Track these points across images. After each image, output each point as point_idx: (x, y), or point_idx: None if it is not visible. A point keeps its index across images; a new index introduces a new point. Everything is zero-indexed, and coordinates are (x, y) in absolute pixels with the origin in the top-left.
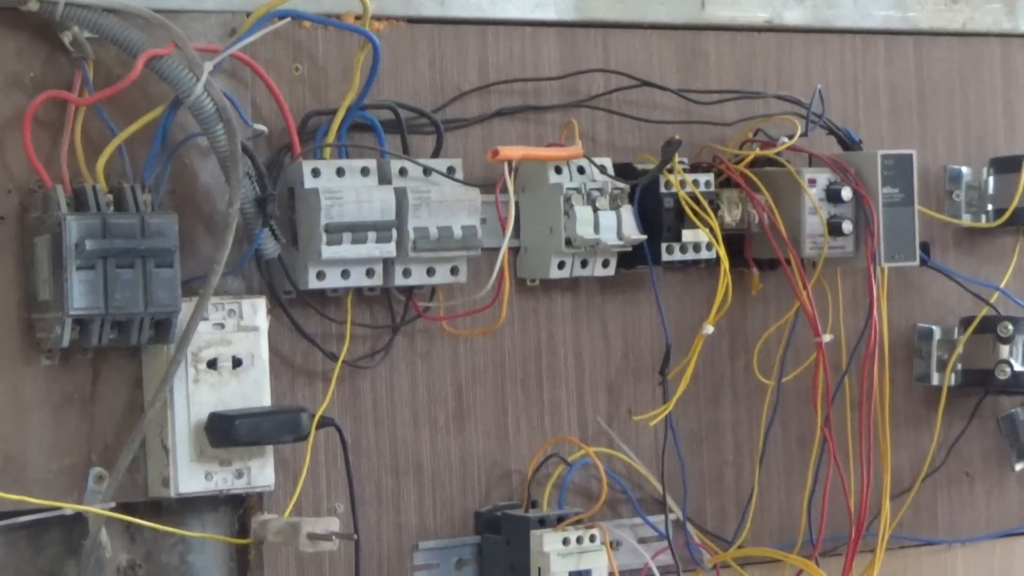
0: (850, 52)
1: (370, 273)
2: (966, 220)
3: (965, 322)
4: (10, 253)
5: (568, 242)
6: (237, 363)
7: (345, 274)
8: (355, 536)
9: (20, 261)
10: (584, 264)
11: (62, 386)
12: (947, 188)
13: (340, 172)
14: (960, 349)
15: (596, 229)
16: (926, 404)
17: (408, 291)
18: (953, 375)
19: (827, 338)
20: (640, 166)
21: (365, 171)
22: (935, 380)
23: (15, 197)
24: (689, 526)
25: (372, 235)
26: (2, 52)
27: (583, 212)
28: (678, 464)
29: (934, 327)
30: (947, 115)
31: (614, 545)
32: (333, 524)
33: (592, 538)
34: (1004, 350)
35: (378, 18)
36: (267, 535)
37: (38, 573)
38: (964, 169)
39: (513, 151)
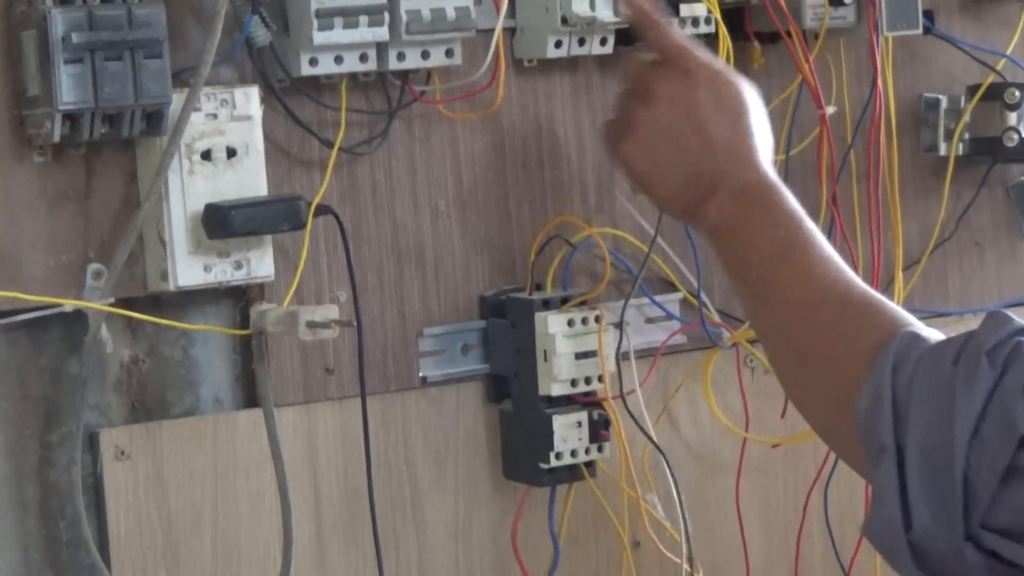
0: None
1: (364, 58)
2: None
3: (972, 90)
4: None
5: (564, 20)
6: (232, 153)
7: (338, 59)
8: (354, 323)
9: (8, 57)
10: (582, 42)
11: (55, 182)
12: None
13: None
14: (967, 118)
15: (592, 6)
16: (934, 174)
17: (403, 75)
18: (960, 144)
19: (831, 110)
20: None
21: None
22: (942, 150)
23: None
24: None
25: (364, 19)
26: None
27: None
28: (686, 241)
29: (940, 96)
30: None
31: (623, 326)
32: (332, 312)
33: (597, 319)
34: (1012, 117)
35: None
36: (266, 325)
37: (40, 371)
38: None
39: None
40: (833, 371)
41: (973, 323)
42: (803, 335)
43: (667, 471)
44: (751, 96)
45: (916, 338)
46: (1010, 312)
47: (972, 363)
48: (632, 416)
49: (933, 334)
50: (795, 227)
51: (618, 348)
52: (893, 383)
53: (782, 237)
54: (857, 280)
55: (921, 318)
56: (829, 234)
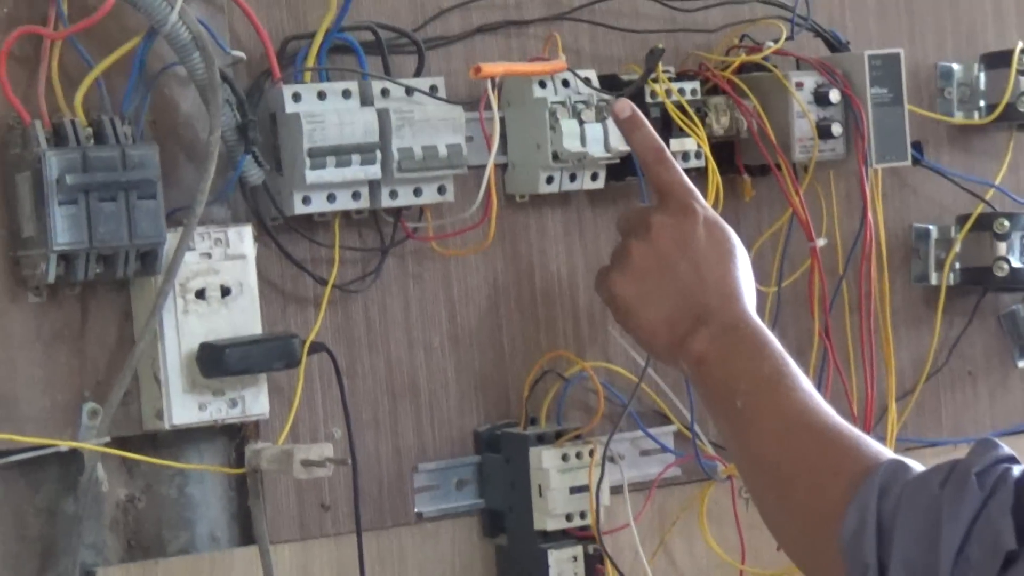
0: None
1: (356, 196)
2: (959, 117)
3: (961, 220)
4: None
5: (555, 156)
6: (226, 292)
7: (331, 198)
8: (348, 461)
9: (2, 198)
10: (573, 178)
11: (51, 322)
12: (938, 86)
13: (321, 95)
14: (957, 248)
15: (583, 142)
16: (925, 304)
17: (396, 212)
18: (951, 274)
19: (821, 242)
20: (625, 77)
21: (347, 93)
22: (933, 280)
23: None
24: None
25: (356, 157)
26: None
27: (569, 125)
28: (679, 376)
29: (930, 226)
30: (935, 12)
31: (615, 459)
32: (327, 449)
33: (591, 453)
34: (1001, 247)
35: None
36: (261, 463)
37: (36, 510)
38: (955, 66)
39: (495, 67)
40: (817, 496)
41: (966, 452)
42: (786, 462)
43: None
44: (740, 245)
45: (903, 466)
46: (1000, 441)
47: (960, 484)
48: (608, 557)
49: (917, 464)
50: (780, 363)
51: (600, 479)
52: (879, 507)
53: (767, 372)
54: (838, 416)
55: (914, 448)
56: (822, 366)
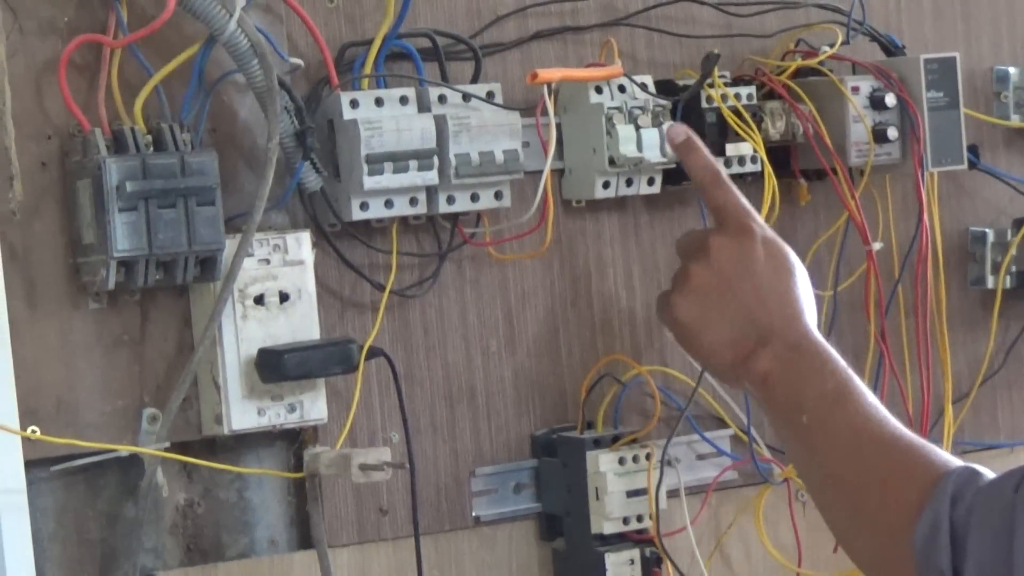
0: None
1: (414, 202)
2: (1015, 121)
3: (1018, 223)
4: (53, 199)
5: (612, 161)
6: (284, 297)
7: (388, 204)
8: (406, 465)
9: (64, 206)
10: (629, 183)
11: (111, 328)
12: (995, 89)
13: (379, 102)
14: (1014, 251)
15: (639, 147)
16: (982, 308)
17: (453, 218)
18: (1008, 277)
19: (877, 246)
20: (681, 82)
21: (404, 100)
22: (990, 283)
23: (55, 142)
24: (753, 442)
25: (414, 163)
26: None
27: (625, 131)
28: None
29: (987, 230)
30: (992, 15)
31: (672, 462)
32: (384, 454)
33: (648, 456)
34: None
35: None
36: (319, 468)
37: (97, 515)
38: (1011, 69)
39: (552, 73)
40: (888, 506)
41: (1023, 455)
42: (856, 474)
43: None
44: (799, 262)
45: (975, 472)
46: None
47: None
48: (670, 558)
49: (990, 472)
50: (844, 378)
51: (659, 484)
52: (952, 513)
53: (831, 387)
54: (904, 427)
55: (971, 451)
56: (878, 369)
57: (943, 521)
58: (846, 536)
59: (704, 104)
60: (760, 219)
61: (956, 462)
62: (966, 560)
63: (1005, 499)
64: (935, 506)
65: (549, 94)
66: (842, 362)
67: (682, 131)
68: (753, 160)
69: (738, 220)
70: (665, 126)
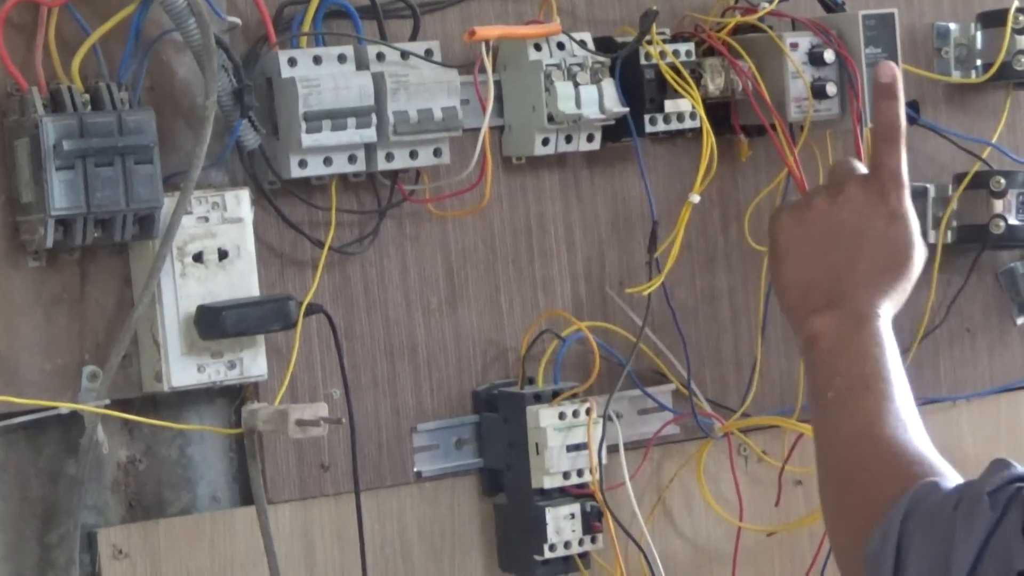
0: None
1: (352, 159)
2: (956, 76)
3: (958, 179)
4: None
5: (551, 118)
6: (223, 255)
7: (327, 161)
8: (343, 420)
9: (1, 165)
10: (569, 139)
11: (50, 287)
12: (935, 45)
13: (317, 60)
14: (954, 205)
15: (578, 104)
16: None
17: (392, 175)
18: (949, 232)
19: None
20: (620, 39)
21: (342, 58)
22: (931, 238)
23: None
24: (694, 396)
25: (352, 121)
26: None
27: (564, 88)
28: (676, 335)
29: (928, 185)
30: None
31: (613, 417)
32: (321, 409)
33: (588, 412)
34: (998, 204)
35: None
36: (257, 424)
37: (39, 472)
38: (951, 25)
39: (490, 31)
40: (862, 507)
41: (965, 409)
42: (847, 466)
43: (659, 566)
44: (918, 259)
45: (934, 488)
46: (1012, 459)
47: (972, 504)
48: (611, 512)
49: (951, 479)
50: (881, 367)
51: (601, 439)
52: (901, 527)
53: (866, 372)
54: (917, 429)
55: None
56: None
57: (892, 534)
58: (829, 522)
59: (643, 61)
60: (907, 201)
61: (934, 470)
62: (905, 574)
63: (945, 516)
64: (890, 517)
65: (487, 52)
66: (891, 356)
67: (891, 72)
68: (692, 117)
69: (884, 184)
70: (604, 83)
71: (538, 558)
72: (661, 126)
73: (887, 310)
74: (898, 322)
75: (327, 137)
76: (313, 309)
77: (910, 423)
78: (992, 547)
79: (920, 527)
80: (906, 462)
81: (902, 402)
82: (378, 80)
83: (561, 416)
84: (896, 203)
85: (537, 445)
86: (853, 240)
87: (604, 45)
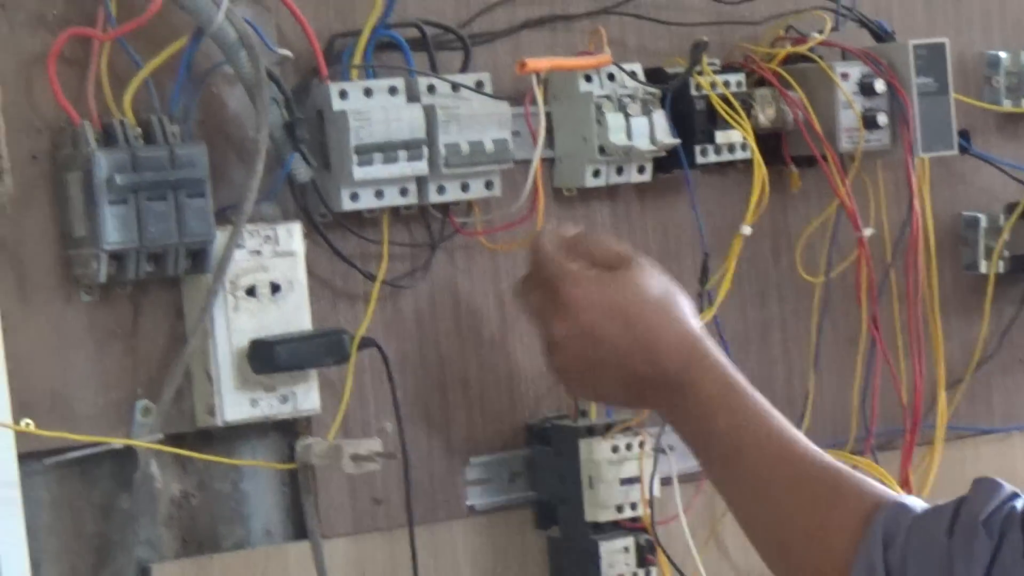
0: None
1: (404, 192)
2: (1006, 106)
3: (1010, 208)
4: (44, 192)
5: (602, 150)
6: (276, 289)
7: (379, 194)
8: (397, 455)
9: (54, 199)
10: (620, 171)
11: (103, 321)
12: (985, 74)
13: (368, 92)
14: (1006, 235)
15: (629, 135)
16: (975, 293)
17: (444, 208)
18: (1001, 262)
19: (868, 232)
20: (671, 70)
21: (393, 90)
22: (983, 268)
23: (46, 136)
24: None
25: (403, 154)
26: None
27: (615, 119)
28: None
29: (979, 215)
30: (982, 0)
31: (666, 450)
32: (375, 444)
33: (642, 444)
34: None
35: None
36: (311, 459)
37: (92, 507)
38: (1002, 54)
39: (540, 62)
40: (817, 551)
41: (1019, 440)
42: (779, 517)
43: None
44: (644, 282)
45: (902, 508)
46: (998, 478)
47: (969, 533)
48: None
49: (916, 502)
50: (752, 409)
51: (653, 471)
52: (885, 559)
53: (739, 423)
54: (822, 453)
55: (966, 436)
56: (871, 356)
57: (878, 569)
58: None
59: (693, 92)
60: (569, 281)
61: (880, 491)
62: None
63: (939, 545)
64: (867, 556)
65: (538, 83)
66: (745, 384)
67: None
68: (743, 147)
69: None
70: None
71: None
72: (712, 157)
73: (695, 346)
74: (950, 354)
75: (379, 170)
76: (366, 343)
77: (813, 447)
78: (995, 574)
79: (912, 558)
80: (847, 487)
81: (790, 429)
82: (429, 112)
83: (614, 449)
84: (550, 285)
85: (590, 478)
86: (612, 328)
87: (655, 76)
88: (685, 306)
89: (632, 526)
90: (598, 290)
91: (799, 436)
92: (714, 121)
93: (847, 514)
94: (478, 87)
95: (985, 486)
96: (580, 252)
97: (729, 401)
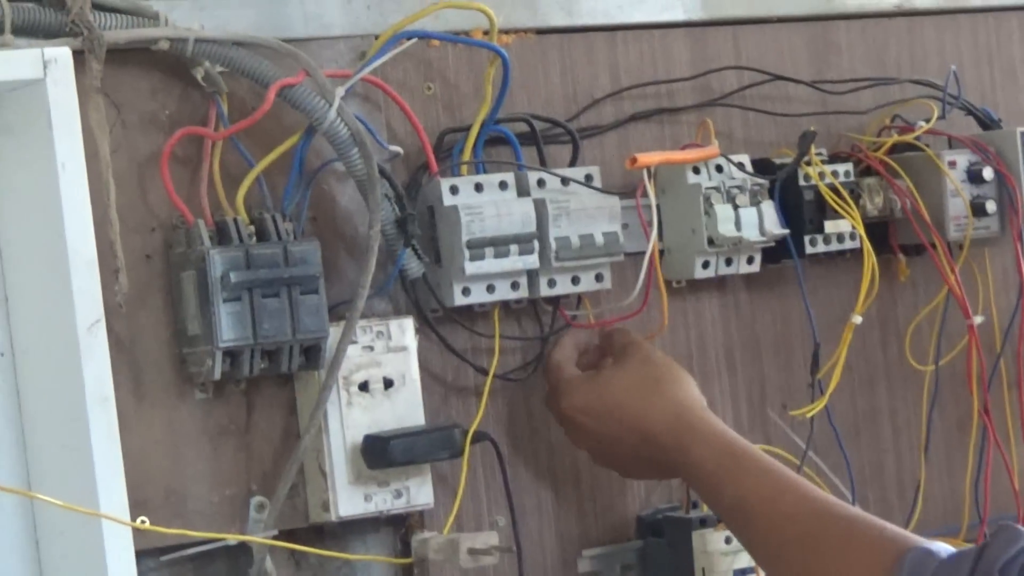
0: (983, 31)
1: (515, 286)
2: None
3: None
4: (158, 290)
5: (711, 241)
6: (389, 384)
7: (490, 288)
8: (513, 548)
9: (168, 297)
10: (728, 262)
11: (217, 418)
12: None
13: (478, 187)
14: None
15: (738, 226)
16: None
17: (554, 301)
18: None
19: (978, 320)
20: (778, 160)
21: (503, 185)
22: None
23: (159, 235)
24: None
25: (514, 248)
26: (137, 92)
27: (724, 210)
28: (839, 456)
29: None
30: None
31: None
32: (492, 538)
33: None
34: None
35: (506, 31)
36: (428, 553)
37: None
38: None
39: (651, 157)
40: None
41: None
42: (801, 572)
43: None
44: (639, 366)
45: (928, 554)
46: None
47: None
48: None
49: (943, 548)
50: (755, 474)
51: None
52: None
53: (743, 493)
54: (838, 504)
55: None
56: (982, 443)
57: None
58: None
59: (802, 182)
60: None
61: (903, 537)
62: None
63: None
64: None
65: (648, 177)
66: (745, 449)
67: None
68: (852, 237)
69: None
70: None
71: None
72: (821, 247)
73: (693, 409)
74: None
75: (490, 264)
76: (479, 436)
77: (829, 497)
78: None
79: None
80: (870, 534)
81: (805, 483)
82: (540, 206)
83: (728, 540)
84: (551, 398)
85: (704, 570)
86: (608, 422)
87: (762, 167)
88: (676, 384)
89: None
90: (584, 394)
91: (810, 490)
92: (822, 211)
93: (870, 560)
94: (587, 180)
95: (1007, 534)
96: (602, 347)
97: (730, 471)
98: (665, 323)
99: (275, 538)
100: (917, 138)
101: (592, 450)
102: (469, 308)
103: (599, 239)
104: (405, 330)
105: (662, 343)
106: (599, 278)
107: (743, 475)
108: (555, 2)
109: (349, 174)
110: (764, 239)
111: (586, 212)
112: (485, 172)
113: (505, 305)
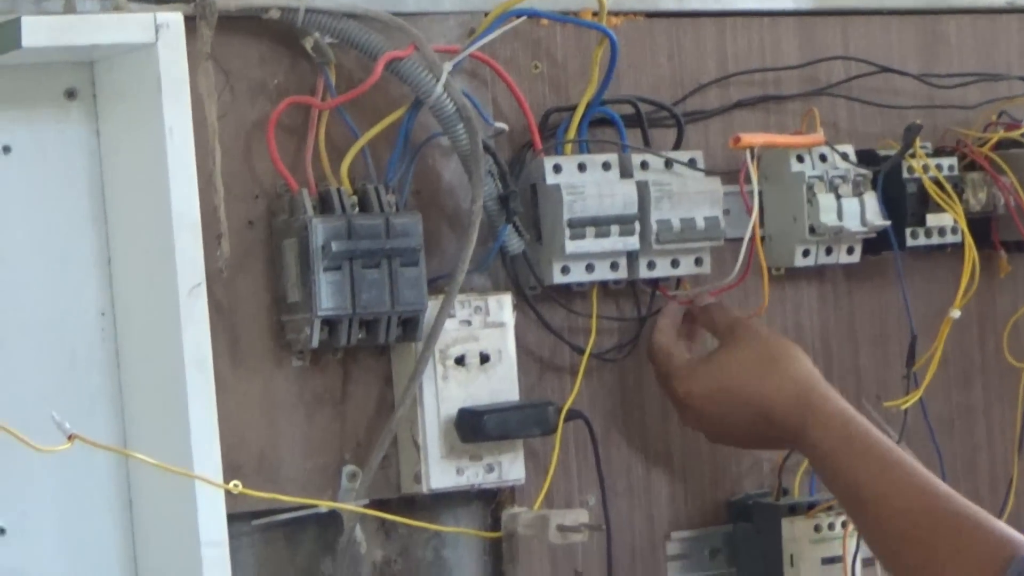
0: None
1: (614, 266)
2: None
3: None
4: (260, 257)
5: (812, 230)
6: (485, 359)
7: (589, 268)
8: (603, 527)
9: (269, 264)
10: (829, 251)
11: (313, 386)
12: None
13: (582, 167)
14: None
15: (840, 216)
16: None
17: (653, 283)
18: None
19: None
20: (882, 152)
21: (606, 165)
22: None
23: (262, 202)
24: None
25: (615, 228)
26: (246, 60)
27: (826, 199)
28: (931, 449)
29: None
30: None
31: None
32: (582, 516)
33: (844, 524)
34: None
35: (615, 13)
36: (517, 528)
37: (296, 570)
38: None
39: (755, 137)
40: None
41: None
42: (920, 562)
43: None
44: (752, 343)
45: None
46: None
47: None
48: None
49: None
50: (889, 453)
51: (855, 552)
52: None
53: (876, 467)
54: (950, 494)
55: None
56: None
57: None
58: None
59: (905, 174)
60: (675, 362)
61: (1014, 538)
62: None
63: None
64: None
65: (751, 159)
66: (867, 431)
67: None
68: (954, 231)
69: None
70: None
71: None
72: (922, 240)
73: (814, 391)
74: None
75: (591, 244)
76: (573, 415)
77: (949, 490)
78: None
79: None
80: (982, 533)
81: (923, 471)
82: (642, 188)
83: (816, 528)
84: (665, 384)
85: (792, 557)
86: (732, 400)
87: (866, 158)
88: (792, 361)
89: None
90: (702, 380)
91: (922, 480)
92: (925, 204)
93: (986, 558)
94: (691, 164)
95: None
96: (701, 327)
97: (845, 456)
98: (765, 303)
99: (366, 507)
100: (1022, 135)
101: (708, 431)
102: (567, 287)
103: (700, 223)
104: (503, 306)
105: None
106: (699, 262)
107: (857, 460)
108: None
109: (453, 149)
110: (865, 230)
111: (688, 196)
112: (589, 152)
113: (603, 285)
